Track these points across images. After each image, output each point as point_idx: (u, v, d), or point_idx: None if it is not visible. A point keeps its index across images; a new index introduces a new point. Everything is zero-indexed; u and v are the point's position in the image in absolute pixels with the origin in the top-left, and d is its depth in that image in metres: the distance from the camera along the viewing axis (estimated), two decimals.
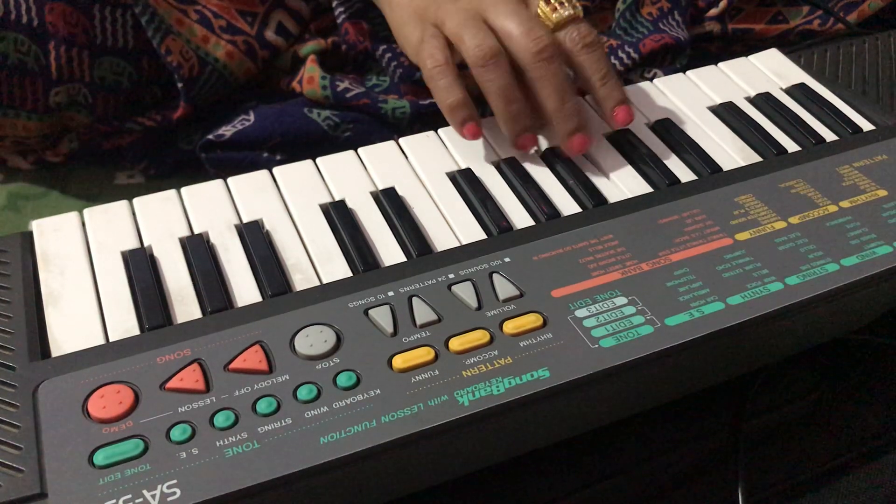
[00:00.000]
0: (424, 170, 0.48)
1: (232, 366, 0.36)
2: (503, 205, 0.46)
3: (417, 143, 0.50)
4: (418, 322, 0.38)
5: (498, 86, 0.48)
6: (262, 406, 0.34)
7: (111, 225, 0.44)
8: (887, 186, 0.46)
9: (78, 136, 0.62)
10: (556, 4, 0.50)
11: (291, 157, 0.56)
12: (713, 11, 0.71)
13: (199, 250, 0.42)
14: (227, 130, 0.60)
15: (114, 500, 0.31)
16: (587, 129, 0.49)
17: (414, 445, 0.34)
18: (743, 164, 0.49)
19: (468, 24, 0.49)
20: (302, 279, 0.41)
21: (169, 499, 0.31)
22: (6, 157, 0.63)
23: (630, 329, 0.38)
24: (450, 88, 0.48)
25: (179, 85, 0.60)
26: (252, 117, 0.61)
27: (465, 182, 0.47)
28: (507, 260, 0.41)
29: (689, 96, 0.55)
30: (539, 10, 0.50)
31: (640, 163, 0.49)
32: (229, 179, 0.47)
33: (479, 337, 0.37)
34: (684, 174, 0.48)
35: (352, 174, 0.48)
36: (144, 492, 0.31)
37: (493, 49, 0.48)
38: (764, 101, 0.55)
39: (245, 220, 0.45)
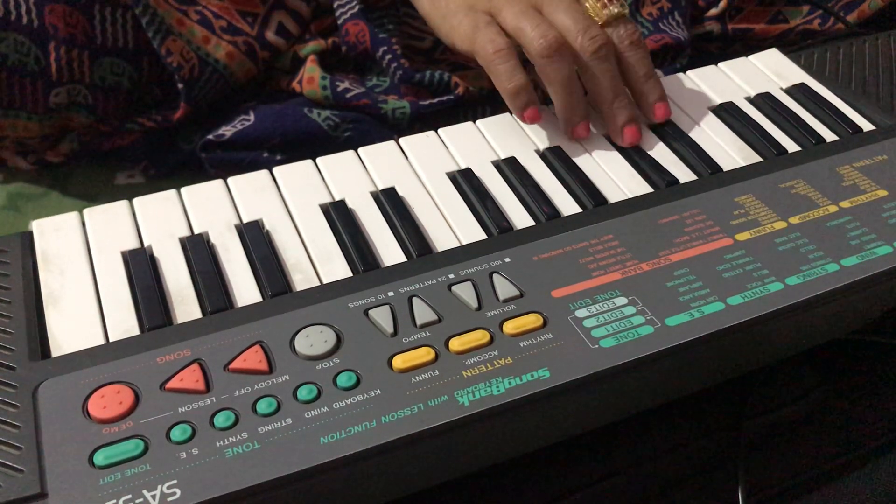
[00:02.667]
0: (424, 170, 0.48)
1: (232, 366, 0.36)
2: (503, 205, 0.46)
3: (417, 143, 0.50)
4: (418, 322, 0.38)
5: (562, 76, 0.49)
6: (263, 406, 0.34)
7: (111, 225, 0.44)
8: (887, 186, 0.46)
9: (78, 136, 0.62)
10: (606, 1, 0.51)
11: (291, 157, 0.56)
12: (713, 11, 0.72)
13: (199, 250, 0.42)
14: (227, 130, 0.60)
15: (114, 501, 0.31)
16: (639, 121, 0.51)
17: (414, 445, 0.34)
18: (743, 164, 0.49)
19: (526, 15, 0.50)
20: (302, 279, 0.41)
21: (169, 499, 0.31)
22: (6, 157, 0.63)
23: (630, 329, 0.38)
24: (512, 73, 0.49)
25: (180, 86, 0.60)
26: (252, 117, 0.61)
27: (465, 182, 0.47)
28: (507, 260, 0.41)
29: (689, 96, 0.55)
30: (588, 5, 0.51)
31: (641, 163, 0.49)
32: (229, 179, 0.47)
33: (479, 337, 0.37)
34: (684, 174, 0.48)
35: (352, 174, 0.48)
36: (144, 492, 0.31)
37: (558, 39, 0.49)
38: (764, 101, 0.55)
39: (245, 220, 0.45)
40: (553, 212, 0.46)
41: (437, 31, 0.57)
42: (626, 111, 0.50)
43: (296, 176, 0.48)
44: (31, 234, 0.43)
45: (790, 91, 0.56)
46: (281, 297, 0.40)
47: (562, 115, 0.50)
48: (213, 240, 0.43)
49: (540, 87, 0.53)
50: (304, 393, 0.35)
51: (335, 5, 0.65)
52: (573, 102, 0.50)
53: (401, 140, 0.50)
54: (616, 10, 0.51)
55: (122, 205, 0.45)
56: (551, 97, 0.50)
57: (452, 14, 0.54)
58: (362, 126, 0.61)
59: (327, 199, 0.46)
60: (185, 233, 0.44)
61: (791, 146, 0.51)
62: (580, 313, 0.38)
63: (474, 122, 0.52)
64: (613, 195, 0.47)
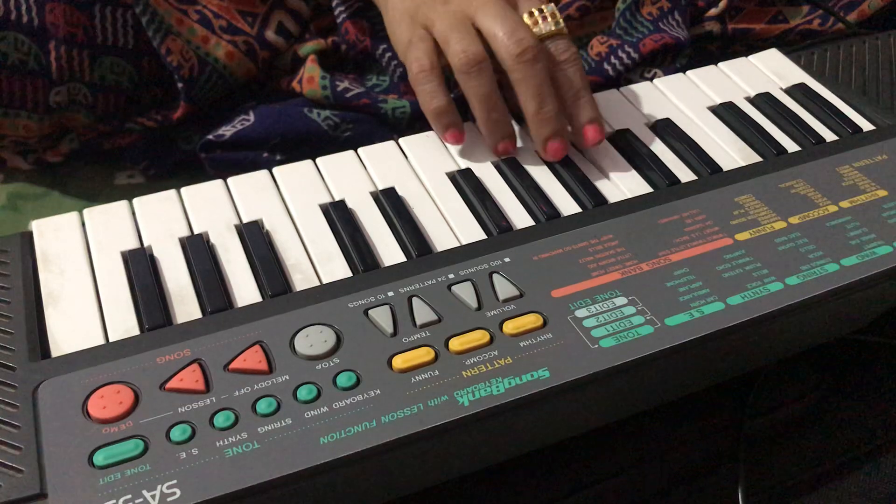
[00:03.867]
0: (424, 170, 0.48)
1: (232, 366, 0.36)
2: (503, 205, 0.46)
3: (417, 143, 0.50)
4: (418, 322, 0.38)
5: (480, 93, 0.48)
6: (262, 406, 0.34)
7: (111, 225, 0.44)
8: (887, 186, 0.46)
9: (78, 136, 0.62)
10: (539, 18, 0.50)
11: (291, 157, 0.56)
12: (713, 11, 0.71)
13: (199, 250, 0.42)
14: (227, 130, 0.60)
15: (114, 501, 0.31)
16: (565, 135, 0.49)
17: (414, 445, 0.34)
18: (743, 164, 0.49)
19: (455, 28, 0.49)
20: (302, 279, 0.41)
21: (169, 499, 0.31)
22: (6, 157, 0.63)
23: (630, 329, 0.38)
24: (434, 93, 0.49)
25: (179, 85, 0.60)
26: (252, 117, 0.61)
27: (465, 182, 0.47)
28: (507, 260, 0.41)
29: (689, 96, 0.55)
30: (524, 18, 0.50)
31: (640, 163, 0.49)
32: (229, 179, 0.47)
33: (479, 337, 0.37)
34: (684, 174, 0.48)
35: (352, 174, 0.48)
36: (144, 492, 0.31)
37: (477, 55, 0.48)
38: (764, 101, 0.55)
39: (245, 220, 0.45)
40: (553, 212, 0.46)
41: (390, 39, 0.56)
42: (550, 124, 0.48)
43: (296, 176, 0.48)
44: (31, 234, 0.43)
45: (790, 91, 0.56)
46: (281, 297, 0.40)
47: (483, 131, 0.49)
48: (213, 240, 0.43)
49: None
50: (303, 393, 0.35)
51: (334, 4, 0.65)
52: (493, 119, 0.49)
53: (401, 140, 0.50)
54: (549, 29, 0.49)
55: (122, 205, 0.45)
56: (473, 114, 0.49)
57: (397, 24, 0.53)
58: (362, 126, 0.61)
59: (327, 199, 0.46)
60: (185, 233, 0.44)
61: (791, 146, 0.51)
62: (580, 313, 0.38)
63: (474, 121, 0.52)
64: (613, 195, 0.47)
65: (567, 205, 0.46)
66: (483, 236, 0.44)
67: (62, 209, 0.48)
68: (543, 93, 0.48)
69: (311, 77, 0.61)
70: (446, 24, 0.49)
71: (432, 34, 0.50)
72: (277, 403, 0.34)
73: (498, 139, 0.49)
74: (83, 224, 0.44)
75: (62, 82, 0.58)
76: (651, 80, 0.57)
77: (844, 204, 0.45)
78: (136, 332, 0.38)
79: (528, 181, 0.48)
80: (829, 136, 0.52)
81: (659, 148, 0.51)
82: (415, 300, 0.39)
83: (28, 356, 0.36)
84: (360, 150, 0.50)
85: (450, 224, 0.45)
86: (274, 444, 0.33)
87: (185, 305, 0.40)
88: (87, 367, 0.36)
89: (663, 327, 0.38)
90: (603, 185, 0.48)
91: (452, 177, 0.48)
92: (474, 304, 0.39)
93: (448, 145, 0.50)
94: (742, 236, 0.43)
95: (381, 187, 0.47)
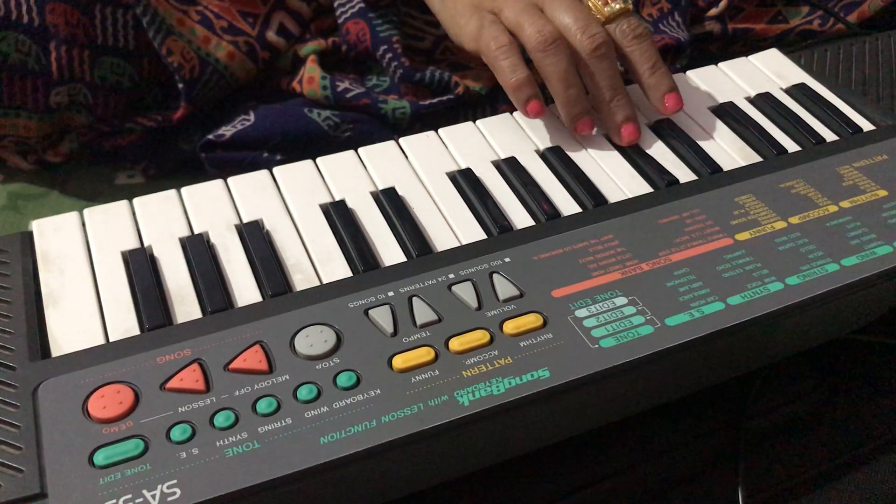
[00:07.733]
0: (424, 170, 0.48)
1: (232, 366, 0.36)
2: (503, 205, 0.46)
3: (417, 143, 0.50)
4: (418, 322, 0.38)
5: (559, 69, 0.50)
6: (263, 406, 0.34)
7: (111, 225, 0.44)
8: (887, 186, 0.46)
9: (78, 136, 0.62)
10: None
11: (291, 157, 0.56)
12: (713, 11, 0.72)
13: (199, 250, 0.42)
14: (227, 130, 0.60)
15: (114, 500, 0.31)
16: (637, 120, 0.51)
17: (414, 445, 0.34)
18: (743, 164, 0.49)
19: (526, 11, 0.51)
20: (302, 279, 0.41)
21: (169, 499, 0.31)
22: (6, 157, 0.63)
23: (630, 329, 0.38)
24: (514, 68, 0.50)
25: (180, 86, 0.60)
26: (252, 117, 0.61)
27: (465, 182, 0.47)
28: (507, 260, 0.41)
29: (689, 96, 0.55)
30: (591, 3, 0.52)
31: (641, 163, 0.49)
32: (229, 179, 0.47)
33: (479, 337, 0.37)
34: (684, 174, 0.48)
35: (352, 174, 0.48)
36: (144, 492, 0.31)
37: (554, 34, 0.50)
38: (764, 101, 0.55)
39: (245, 220, 0.45)
40: (553, 212, 0.46)
41: (447, 31, 0.58)
42: (625, 109, 0.50)
43: (296, 176, 0.48)
44: (31, 234, 0.43)
45: (790, 91, 0.56)
46: (281, 297, 0.40)
47: (562, 109, 0.51)
48: (213, 240, 0.43)
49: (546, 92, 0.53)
50: (304, 393, 0.35)
51: (335, 4, 0.65)
52: (572, 96, 0.50)
53: (401, 140, 0.50)
54: (618, 7, 0.51)
55: (122, 205, 0.45)
56: (550, 92, 0.51)
57: (460, 14, 0.55)
58: (362, 126, 0.61)
59: (327, 199, 0.46)
60: (185, 233, 0.44)
61: (791, 146, 0.51)
62: (580, 313, 0.38)
63: (474, 122, 0.52)
64: (613, 195, 0.47)
65: (567, 205, 0.46)
66: (483, 236, 0.44)
67: (62, 209, 0.48)
68: (616, 84, 0.51)
69: (311, 77, 0.62)
70: (516, 10, 0.51)
71: (500, 20, 0.52)
72: (278, 403, 0.34)
73: (577, 115, 0.50)
74: (83, 224, 0.44)
75: (62, 82, 0.58)
76: None
77: (844, 204, 0.45)
78: (136, 331, 0.38)
79: (528, 181, 0.48)
80: (829, 136, 0.52)
81: (659, 148, 0.51)
82: (415, 300, 0.39)
83: (28, 356, 0.36)
84: (360, 150, 0.50)
85: (450, 224, 0.45)
86: (274, 444, 0.33)
87: (185, 305, 0.40)
88: (88, 367, 0.36)
89: (663, 327, 0.38)
90: (603, 185, 0.48)
91: (452, 177, 0.48)
92: (474, 304, 0.39)
93: (448, 145, 0.50)
94: (742, 236, 0.43)
95: (381, 187, 0.47)
